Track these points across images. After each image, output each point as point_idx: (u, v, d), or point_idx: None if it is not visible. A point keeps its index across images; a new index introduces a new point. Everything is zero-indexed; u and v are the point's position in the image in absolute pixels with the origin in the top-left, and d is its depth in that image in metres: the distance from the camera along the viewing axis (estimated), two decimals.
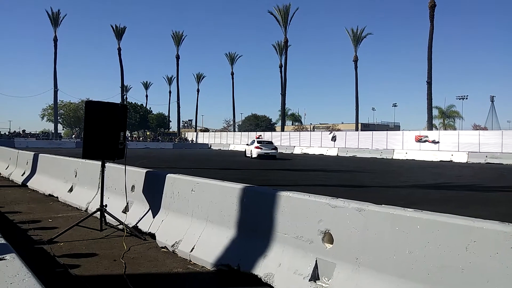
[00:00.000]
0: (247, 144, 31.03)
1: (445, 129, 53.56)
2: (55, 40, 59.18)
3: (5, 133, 49.18)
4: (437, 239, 2.43)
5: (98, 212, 5.33)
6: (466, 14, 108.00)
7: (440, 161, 31.41)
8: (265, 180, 12.86)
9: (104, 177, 5.44)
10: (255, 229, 3.73)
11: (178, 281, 3.66)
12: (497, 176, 17.22)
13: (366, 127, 66.49)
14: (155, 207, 5.14)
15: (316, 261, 3.09)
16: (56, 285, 3.42)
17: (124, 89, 71.68)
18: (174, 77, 73.16)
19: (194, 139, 67.14)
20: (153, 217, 5.07)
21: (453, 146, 35.88)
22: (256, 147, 27.09)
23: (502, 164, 27.77)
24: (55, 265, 3.93)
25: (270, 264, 3.40)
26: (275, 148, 28.20)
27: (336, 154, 39.73)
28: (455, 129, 52.47)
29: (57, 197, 7.77)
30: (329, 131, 55.19)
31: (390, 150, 37.67)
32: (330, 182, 12.98)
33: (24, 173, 10.17)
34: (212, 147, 57.35)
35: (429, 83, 42.00)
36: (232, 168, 18.47)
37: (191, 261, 4.09)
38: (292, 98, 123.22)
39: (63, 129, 74.31)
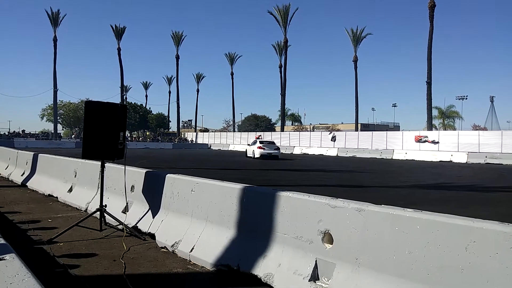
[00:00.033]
0: (249, 145, 31.04)
1: (445, 129, 53.61)
2: (55, 40, 59.18)
3: (4, 133, 49.17)
4: (437, 239, 2.43)
5: (98, 212, 5.33)
6: (466, 14, 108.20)
7: (440, 161, 31.42)
8: (265, 180, 12.86)
9: (103, 177, 5.44)
10: (255, 229, 3.73)
11: (178, 281, 3.66)
12: (497, 176, 17.23)
13: (366, 127, 66.55)
14: (154, 207, 5.14)
15: (316, 261, 3.09)
16: (55, 285, 3.42)
17: (124, 89, 71.72)
18: (174, 77, 73.22)
19: (194, 139, 67.14)
20: (153, 217, 5.07)
21: (453, 146, 35.88)
22: (259, 147, 27.21)
23: (501, 164, 27.78)
24: (54, 265, 3.93)
25: (270, 264, 3.40)
26: (278, 148, 28.42)
27: (335, 154, 39.74)
28: (454, 129, 52.50)
29: (56, 197, 7.77)
30: (329, 131, 55.20)
31: (390, 150, 37.68)
32: (329, 182, 12.98)
33: (23, 173, 10.17)
34: (211, 147, 57.35)
35: (429, 83, 42.02)
36: (231, 168, 18.47)
37: (190, 261, 4.09)
38: (292, 98, 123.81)
39: (62, 129, 74.30)
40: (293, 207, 3.40)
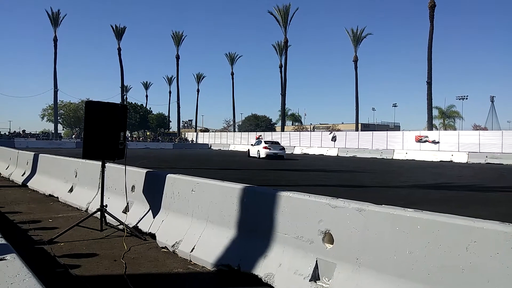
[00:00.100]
0: (252, 145, 31.09)
1: (445, 129, 53.57)
2: (55, 40, 59.23)
3: (5, 133, 49.19)
4: (437, 239, 2.43)
5: (99, 212, 5.33)
6: (466, 14, 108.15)
7: (440, 161, 31.40)
8: (265, 180, 12.86)
9: (104, 177, 5.44)
10: (255, 229, 3.73)
11: (178, 281, 3.66)
12: (497, 176, 17.22)
13: (366, 127, 66.53)
14: (155, 207, 5.14)
15: (316, 261, 3.09)
16: (56, 285, 3.42)
17: (124, 89, 71.75)
18: (174, 77, 73.27)
19: (194, 139, 67.16)
20: (153, 217, 5.07)
21: (453, 147, 35.88)
22: (265, 147, 27.41)
23: (502, 164, 27.77)
24: (55, 265, 3.93)
25: (271, 264, 3.40)
26: (283, 149, 28.76)
27: (336, 154, 39.74)
28: (455, 129, 52.48)
29: (57, 197, 7.77)
30: (329, 131, 55.19)
31: (390, 150, 37.67)
32: (330, 182, 12.98)
33: (24, 173, 10.17)
34: (212, 147, 57.36)
35: (429, 83, 42.01)
36: (232, 168, 18.48)
37: (191, 261, 4.09)
38: (292, 98, 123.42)
39: (63, 129, 74.36)
40: (293, 207, 3.40)
